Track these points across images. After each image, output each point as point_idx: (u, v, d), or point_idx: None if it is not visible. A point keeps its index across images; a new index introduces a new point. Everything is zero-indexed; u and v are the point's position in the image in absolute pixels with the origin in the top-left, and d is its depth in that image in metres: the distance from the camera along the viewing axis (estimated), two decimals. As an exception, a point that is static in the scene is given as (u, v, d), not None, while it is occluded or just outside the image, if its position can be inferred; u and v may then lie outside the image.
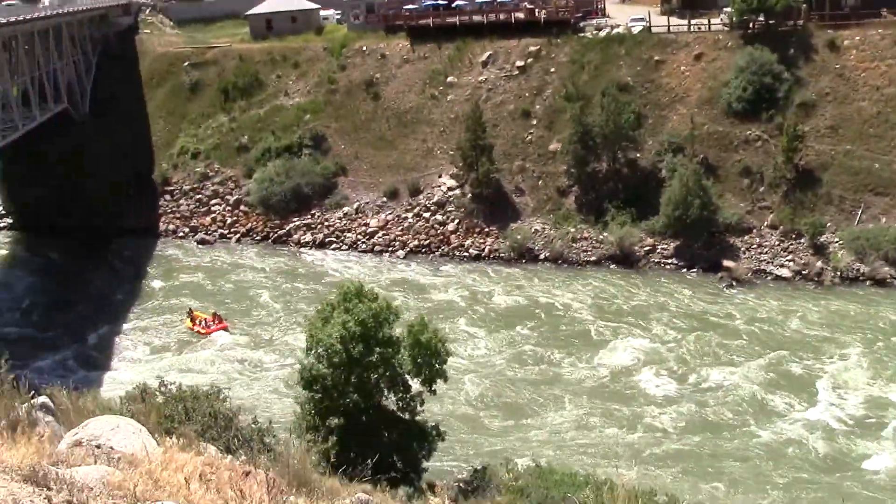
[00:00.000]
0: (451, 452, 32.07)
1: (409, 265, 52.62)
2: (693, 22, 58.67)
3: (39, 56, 53.29)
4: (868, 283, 45.76)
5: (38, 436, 7.97)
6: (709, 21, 58.52)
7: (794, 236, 48.80)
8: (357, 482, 12.62)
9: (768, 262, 48.28)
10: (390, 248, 54.61)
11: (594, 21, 62.70)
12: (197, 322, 45.18)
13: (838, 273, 46.58)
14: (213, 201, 60.08)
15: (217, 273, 52.82)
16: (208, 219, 59.29)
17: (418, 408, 26.24)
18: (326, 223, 56.97)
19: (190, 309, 46.34)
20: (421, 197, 56.66)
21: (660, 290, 46.80)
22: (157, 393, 18.99)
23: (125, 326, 46.38)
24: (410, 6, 67.72)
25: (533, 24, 61.32)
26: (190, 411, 17.33)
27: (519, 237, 52.30)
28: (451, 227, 54.81)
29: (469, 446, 33.24)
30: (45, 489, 5.59)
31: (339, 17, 73.87)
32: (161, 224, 59.73)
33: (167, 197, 61.07)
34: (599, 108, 53.47)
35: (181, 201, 60.70)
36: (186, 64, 66.85)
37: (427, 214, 55.75)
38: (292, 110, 62.68)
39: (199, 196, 60.50)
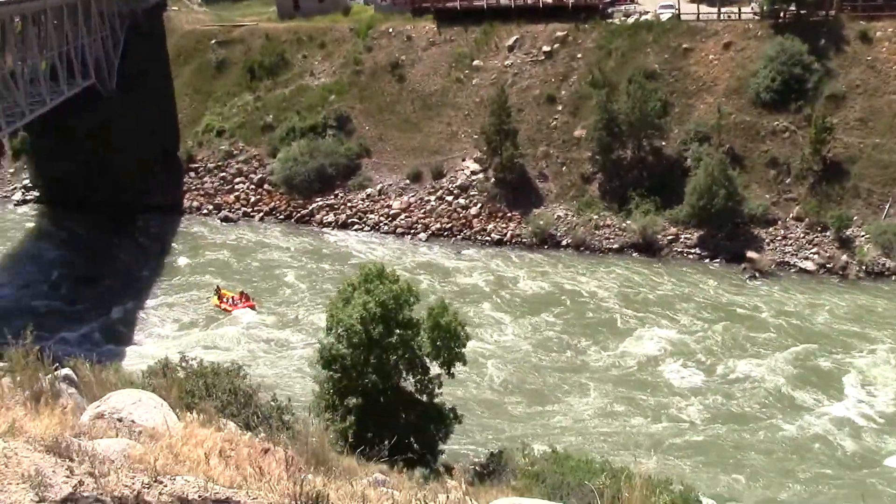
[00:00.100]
0: (471, 436, 32.19)
1: (431, 248, 52.66)
2: (723, 10, 58.03)
3: (68, 31, 53.55)
4: (894, 278, 45.30)
5: (62, 407, 8.06)
6: (739, 9, 57.87)
7: (819, 229, 48.36)
8: (374, 462, 12.69)
9: (792, 255, 47.90)
10: (412, 231, 54.64)
11: (622, 7, 62.14)
12: (224, 300, 45.37)
13: (863, 267, 46.15)
14: (237, 179, 60.31)
15: (243, 251, 53.03)
16: (232, 197, 59.55)
17: (436, 390, 26.35)
18: (349, 204, 57.07)
19: (217, 287, 46.60)
20: (444, 180, 56.60)
21: (684, 280, 46.56)
22: (179, 368, 19.17)
23: (151, 302, 46.74)
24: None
25: (561, 9, 60.86)
26: (210, 387, 17.49)
27: (541, 223, 52.17)
28: (473, 211, 54.75)
29: (490, 431, 33.29)
30: (67, 460, 5.66)
31: (366, -3, 73.69)
32: (185, 201, 60.05)
33: (192, 174, 61.36)
34: (626, 96, 53.10)
35: (205, 179, 60.98)
36: (213, 42, 66.97)
37: (450, 198, 55.71)
38: (317, 90, 62.69)
39: (224, 174, 60.75)
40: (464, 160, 57.16)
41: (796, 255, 47.90)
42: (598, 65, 57.03)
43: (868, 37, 52.79)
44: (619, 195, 52.66)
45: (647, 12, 60.23)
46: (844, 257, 46.85)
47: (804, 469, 30.95)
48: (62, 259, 52.84)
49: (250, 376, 21.50)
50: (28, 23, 49.23)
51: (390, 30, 64.22)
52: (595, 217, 52.16)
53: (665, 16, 58.82)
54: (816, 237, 48.29)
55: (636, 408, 35.18)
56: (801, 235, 48.67)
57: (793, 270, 47.13)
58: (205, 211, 59.22)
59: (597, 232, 51.63)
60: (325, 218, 56.68)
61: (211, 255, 52.55)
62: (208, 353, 31.97)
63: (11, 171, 64.60)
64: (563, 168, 55.20)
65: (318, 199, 57.58)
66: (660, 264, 48.76)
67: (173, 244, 54.82)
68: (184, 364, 19.69)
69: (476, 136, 56.88)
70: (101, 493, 5.13)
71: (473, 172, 56.29)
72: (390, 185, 57.45)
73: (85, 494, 5.10)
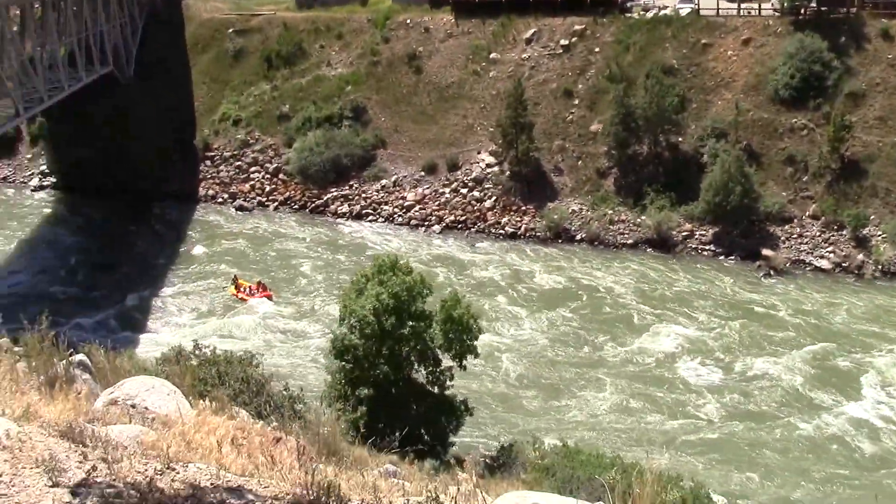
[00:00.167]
0: (485, 429, 32.21)
1: (445, 240, 52.64)
2: (743, 6, 57.65)
3: (87, 18, 53.69)
4: (910, 278, 45.04)
5: (76, 393, 8.11)
6: (759, 5, 57.48)
7: (835, 227, 48.09)
8: (385, 453, 12.72)
9: (808, 253, 47.66)
10: (426, 223, 54.64)
11: (641, 1, 61.86)
12: (241, 289, 45.46)
13: (879, 267, 45.88)
14: (253, 169, 60.45)
15: (259, 241, 53.11)
16: (247, 186, 59.70)
17: (448, 382, 26.40)
18: (364, 195, 57.11)
19: (235, 276, 46.72)
20: (459, 172, 56.56)
21: (700, 277, 46.36)
22: (192, 356, 19.27)
23: (167, 290, 46.88)
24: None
25: (579, 3, 60.58)
26: (223, 375, 17.58)
27: (556, 217, 52.07)
28: (488, 203, 54.71)
29: (504, 424, 33.26)
30: (80, 446, 5.70)
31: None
32: (201, 189, 60.23)
33: (207, 163, 61.53)
34: (643, 91, 52.90)
35: (221, 167, 61.15)
36: (231, 31, 67.05)
37: (464, 190, 55.67)
38: (334, 81, 62.71)
39: (239, 163, 60.90)
40: (479, 153, 57.10)
41: (812, 253, 47.65)
42: (616, 59, 56.82)
43: (889, 35, 52.36)
44: (634, 190, 52.50)
45: (665, 7, 59.92)
46: (860, 256, 46.57)
47: (819, 469, 30.72)
48: (79, 245, 53.09)
49: (263, 365, 21.62)
50: (48, 9, 49.42)
51: (408, 21, 64.14)
52: (610, 212, 52.04)
53: (684, 10, 58.50)
54: (832, 236, 48.02)
55: (652, 404, 35.04)
56: (817, 234, 48.41)
57: (808, 269, 46.90)
58: (220, 200, 59.40)
59: (611, 227, 51.50)
60: (339, 208, 56.75)
61: (227, 244, 52.67)
62: (224, 342, 32.10)
63: (29, 156, 64.95)
64: (579, 162, 55.07)
65: (333, 190, 57.65)
66: (674, 260, 48.61)
67: (189, 232, 54.99)
68: (197, 352, 19.79)
69: (492, 129, 56.78)
70: (114, 479, 5.17)
71: (489, 165, 56.23)
72: (405, 176, 57.45)
73: (98, 480, 5.14)
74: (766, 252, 47.70)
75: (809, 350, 38.76)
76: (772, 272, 46.49)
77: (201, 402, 9.63)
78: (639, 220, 51.13)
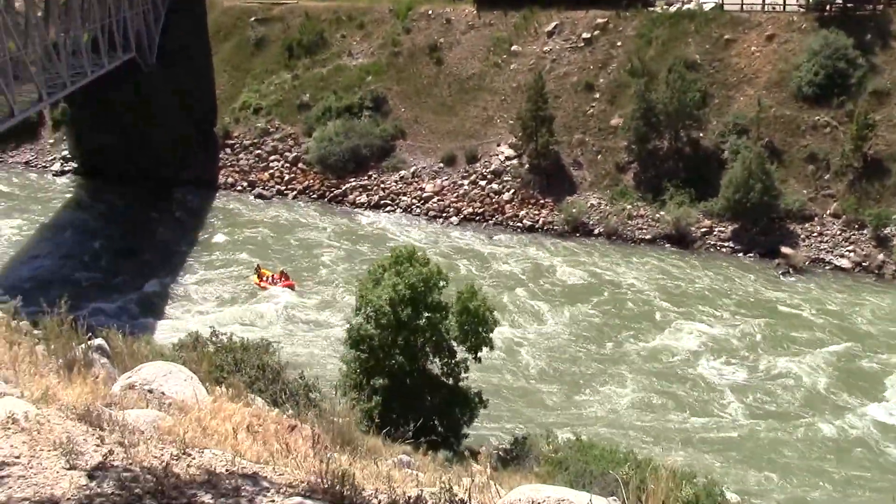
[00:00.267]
0: (501, 422, 32.20)
1: (463, 232, 52.58)
2: (767, 1, 57.14)
3: (110, 4, 53.90)
4: (931, 279, 44.62)
5: (94, 377, 8.18)
6: (784, 1, 56.95)
7: (856, 226, 47.71)
8: (399, 443, 12.77)
9: (828, 252, 47.31)
10: (444, 215, 54.62)
11: (665, -5, 61.46)
12: (264, 278, 45.60)
13: (900, 267, 45.51)
14: (272, 157, 60.59)
15: (280, 230, 53.16)
16: (266, 174, 59.85)
17: (462, 374, 26.44)
18: (382, 185, 57.14)
19: (258, 265, 46.84)
20: (478, 165, 56.49)
21: (721, 274, 46.04)
22: (209, 342, 19.39)
23: (188, 277, 47.02)
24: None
25: (602, -4, 60.29)
26: (239, 362, 17.69)
27: (574, 211, 51.93)
28: (506, 196, 54.62)
29: (522, 418, 33.16)
30: (98, 429, 5.75)
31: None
32: (220, 177, 60.45)
33: (227, 150, 61.72)
34: (664, 85, 52.61)
35: (241, 156, 61.33)
36: (252, 19, 67.16)
37: (483, 182, 55.60)
38: (355, 71, 62.72)
39: (259, 151, 61.05)
40: (498, 145, 56.99)
41: (831, 252, 47.30)
42: (638, 53, 56.52)
43: (915, 33, 51.83)
44: (653, 185, 52.28)
45: (689, 1, 59.49)
46: (881, 256, 46.20)
47: (840, 470, 30.33)
48: (101, 231, 53.36)
49: (280, 353, 21.72)
50: (72, -5, 49.69)
51: (430, 12, 64.03)
52: (629, 207, 51.84)
53: (708, 5, 58.06)
54: (853, 235, 47.65)
55: (673, 401, 34.81)
56: (838, 232, 48.05)
57: (827, 267, 46.56)
58: (239, 188, 59.59)
59: (630, 222, 51.32)
60: (357, 198, 56.81)
61: (248, 233, 52.77)
62: (245, 330, 32.19)
63: (51, 141, 65.37)
64: (599, 156, 54.87)
65: (352, 180, 57.72)
66: (693, 257, 48.39)
67: (211, 220, 55.13)
68: (214, 338, 19.92)
69: (512, 122, 56.64)
70: (131, 463, 5.21)
71: (508, 158, 56.12)
72: (424, 167, 57.43)
73: (115, 464, 5.18)
74: (785, 250, 47.39)
75: (833, 350, 38.37)
76: (791, 270, 46.21)
77: (217, 388, 9.69)
78: (658, 215, 50.91)
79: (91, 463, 5.17)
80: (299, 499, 4.93)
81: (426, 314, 24.87)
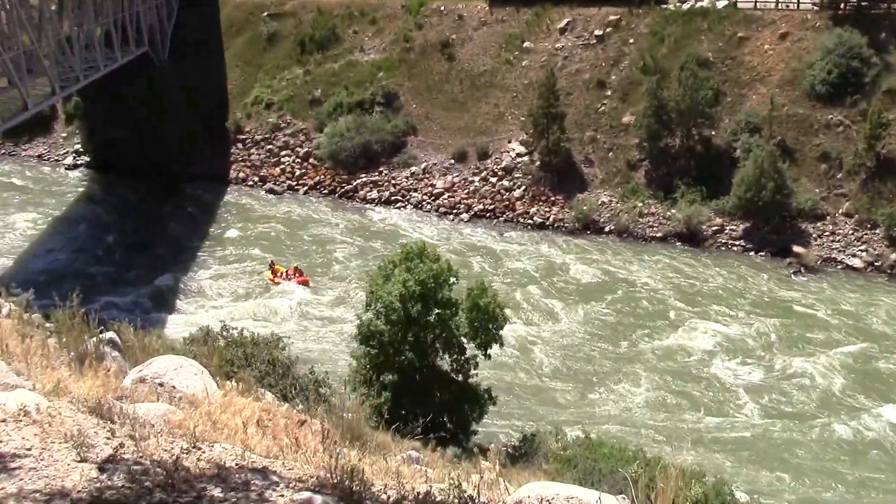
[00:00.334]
0: (513, 420, 32.15)
1: (474, 229, 52.52)
2: (781, -1, 56.96)
3: (124, -1, 54.13)
4: (943, 279, 44.36)
5: (105, 370, 8.22)
6: (798, -1, 56.76)
7: (869, 226, 47.47)
8: (408, 439, 12.78)
9: (840, 251, 47.10)
10: (454, 211, 54.60)
11: (678, -8, 61.23)
12: (278, 274, 45.65)
13: (913, 267, 45.27)
14: (284, 152, 60.70)
15: (292, 225, 53.16)
16: (277, 169, 59.95)
17: (472, 371, 26.43)
18: (393, 181, 57.17)
19: (272, 261, 46.88)
20: (489, 161, 56.44)
21: (734, 273, 45.79)
22: (219, 337, 19.45)
23: (202, 272, 47.07)
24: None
25: (615, -7, 60.14)
26: (250, 357, 17.73)
27: (585, 208, 51.84)
28: (517, 193, 54.57)
29: (534, 416, 33.04)
30: (108, 422, 5.77)
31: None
32: (231, 172, 60.61)
33: (239, 145, 61.87)
34: (677, 83, 52.42)
35: (252, 151, 61.46)
36: (265, 14, 67.30)
37: (494, 179, 55.56)
38: (366, 67, 62.76)
39: (270, 147, 61.16)
40: (510, 142, 56.94)
41: (843, 251, 47.09)
42: (650, 51, 56.36)
43: (931, 31, 51.51)
44: (664, 183, 52.13)
45: (702, -1, 59.28)
46: (894, 256, 45.95)
47: (854, 472, 30.01)
48: (113, 225, 53.55)
49: (290, 348, 21.77)
50: (85, -11, 49.84)
51: (442, 8, 63.99)
52: (640, 204, 51.72)
53: (721, 3, 57.82)
54: (865, 234, 47.42)
55: (687, 400, 34.59)
56: (850, 232, 47.82)
57: (839, 267, 46.34)
58: (250, 183, 59.73)
59: (640, 219, 51.20)
60: (368, 194, 56.85)
61: (261, 228, 52.79)
62: (259, 326, 32.18)
63: (64, 135, 65.68)
64: (610, 154, 54.75)
65: (363, 176, 57.76)
66: (705, 255, 48.22)
67: (224, 215, 55.19)
68: (224, 333, 19.98)
69: (523, 119, 56.58)
70: (141, 457, 5.23)
71: (519, 155, 56.05)
72: (435, 164, 57.42)
73: (125, 457, 5.20)
74: (796, 249, 47.20)
75: (849, 351, 38.04)
76: (802, 269, 46.02)
77: (228, 382, 9.73)
78: (669, 213, 50.78)
79: (102, 456, 5.19)
80: (309, 494, 4.95)
81: (436, 310, 24.86)
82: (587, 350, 38.85)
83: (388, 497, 5.23)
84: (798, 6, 56.10)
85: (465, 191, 55.54)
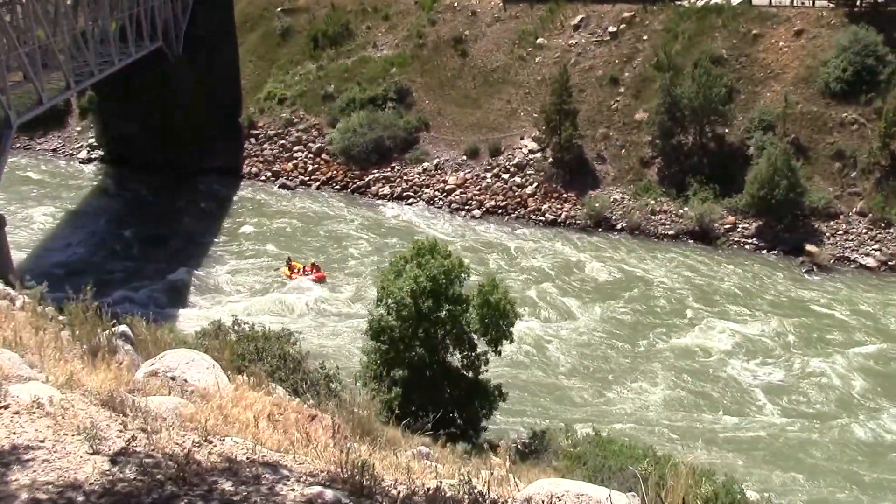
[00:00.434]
0: (526, 417, 32.10)
1: (487, 226, 52.43)
2: (796, -4, 56.62)
3: (138, -7, 54.28)
4: (958, 279, 44.05)
5: (117, 363, 8.26)
6: (813, -4, 56.44)
7: (883, 225, 47.21)
8: (418, 435, 12.79)
9: (853, 250, 46.85)
10: (466, 207, 54.57)
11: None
12: (295, 271, 45.72)
13: (927, 267, 45.00)
14: (296, 148, 60.79)
15: (307, 221, 53.13)
16: (290, 165, 60.05)
17: (482, 367, 26.43)
18: (405, 177, 57.18)
19: (289, 257, 46.95)
20: (501, 158, 56.38)
21: (749, 272, 45.54)
22: (231, 331, 19.52)
23: (217, 267, 47.16)
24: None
25: (629, -11, 59.91)
26: (261, 351, 17.79)
27: (597, 205, 51.71)
28: (529, 190, 54.49)
29: (548, 413, 33.00)
30: (121, 415, 5.81)
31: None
32: (244, 167, 60.74)
33: (252, 140, 62.00)
34: (690, 80, 52.19)
35: (265, 146, 61.58)
36: (279, 10, 67.42)
37: (506, 176, 55.50)
38: (379, 62, 62.77)
39: (283, 142, 61.27)
40: (522, 138, 56.86)
41: (857, 250, 46.84)
42: (664, 47, 56.12)
43: (947, 29, 51.11)
44: (677, 181, 51.95)
45: (717, -5, 59.01)
46: (908, 255, 45.73)
47: (871, 473, 29.75)
48: (128, 219, 53.72)
49: (305, 343, 21.83)
50: (100, -16, 50.01)
51: (455, 4, 63.93)
52: (652, 202, 51.57)
53: (736, 0, 57.55)
54: (879, 233, 47.15)
55: (703, 399, 34.43)
56: (864, 231, 47.56)
57: (852, 266, 46.09)
58: (263, 178, 59.84)
59: (653, 217, 51.06)
60: (380, 190, 56.89)
61: (275, 223, 52.85)
62: (275, 321, 32.16)
63: (78, 129, 65.95)
64: (622, 151, 54.60)
65: (375, 171, 57.80)
66: (717, 253, 48.03)
67: (238, 210, 55.27)
68: (236, 327, 20.05)
69: (536, 115, 56.48)
70: (153, 450, 5.26)
71: (531, 151, 55.97)
72: (447, 160, 57.40)
73: (137, 449, 5.24)
74: (809, 248, 46.97)
75: (867, 352, 37.76)
76: (815, 268, 45.80)
77: (239, 376, 9.77)
78: (681, 211, 50.62)
79: (114, 448, 5.23)
80: (319, 488, 4.97)
81: (447, 306, 24.87)
82: (604, 348, 38.76)
83: (399, 492, 5.24)
84: (814, 3, 55.78)
85: (477, 187, 55.49)
